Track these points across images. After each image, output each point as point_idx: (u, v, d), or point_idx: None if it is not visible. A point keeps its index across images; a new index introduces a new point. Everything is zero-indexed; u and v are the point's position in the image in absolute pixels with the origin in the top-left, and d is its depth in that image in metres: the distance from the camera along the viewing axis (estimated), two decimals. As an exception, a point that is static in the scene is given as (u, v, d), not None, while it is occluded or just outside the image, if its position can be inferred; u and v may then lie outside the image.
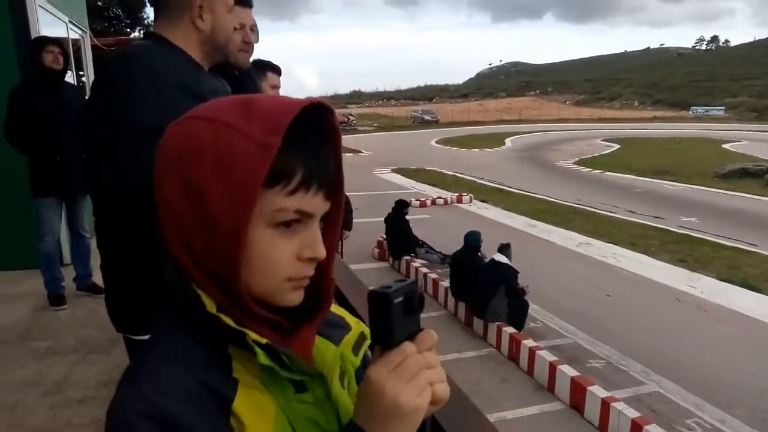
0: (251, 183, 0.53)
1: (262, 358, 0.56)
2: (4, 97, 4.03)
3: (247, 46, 2.08)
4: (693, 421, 4.99)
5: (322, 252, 0.60)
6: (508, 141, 35.37)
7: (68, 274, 4.62)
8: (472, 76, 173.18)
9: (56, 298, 4.30)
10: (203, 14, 1.31)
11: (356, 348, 0.70)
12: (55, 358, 3.57)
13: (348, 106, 79.08)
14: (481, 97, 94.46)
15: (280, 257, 0.58)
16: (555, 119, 60.10)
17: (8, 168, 4.46)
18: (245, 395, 0.56)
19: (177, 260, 0.59)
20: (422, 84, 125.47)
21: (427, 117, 55.83)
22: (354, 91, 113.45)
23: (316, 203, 0.59)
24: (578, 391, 5.05)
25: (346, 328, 0.68)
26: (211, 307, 0.57)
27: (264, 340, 0.56)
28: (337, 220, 0.66)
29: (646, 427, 4.39)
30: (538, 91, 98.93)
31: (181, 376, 0.53)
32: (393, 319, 0.54)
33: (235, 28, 1.50)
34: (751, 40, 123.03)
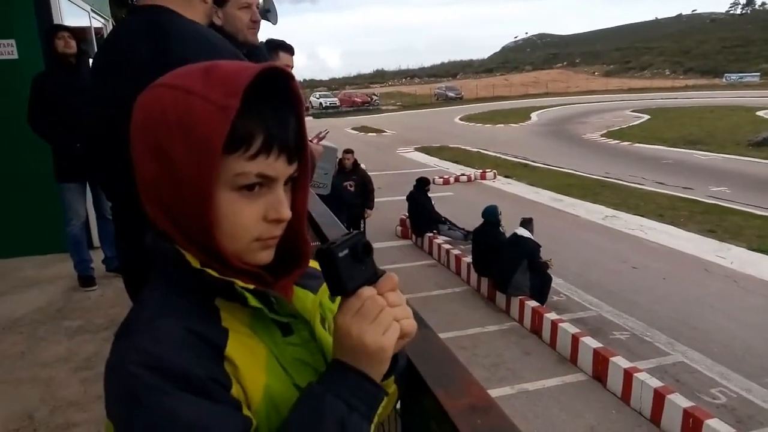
0: (212, 144, 0.57)
1: (252, 301, 0.61)
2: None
3: (255, 24, 2.11)
4: (718, 390, 4.95)
5: (286, 213, 0.64)
6: (533, 115, 34.75)
7: (97, 257, 4.80)
8: (497, 50, 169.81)
9: (86, 279, 4.47)
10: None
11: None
12: (85, 336, 3.74)
13: (371, 86, 78.60)
14: (507, 72, 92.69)
15: (245, 219, 0.62)
16: (583, 91, 58.68)
17: (35, 155, 4.61)
18: (236, 341, 0.60)
19: (157, 223, 0.63)
20: (446, 60, 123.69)
21: (450, 94, 55.09)
22: (377, 71, 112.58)
23: (278, 167, 0.62)
24: (601, 362, 5.05)
25: (322, 278, 0.74)
26: (195, 263, 0.61)
27: (251, 286, 0.61)
28: (304, 184, 0.70)
29: (669, 396, 4.37)
30: (565, 63, 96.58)
31: (174, 327, 0.57)
32: (341, 270, 0.58)
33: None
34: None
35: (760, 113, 28.72)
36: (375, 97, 50.14)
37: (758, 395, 4.81)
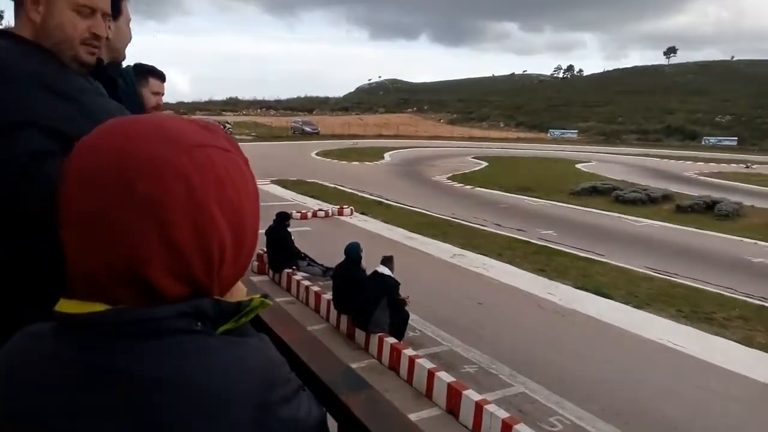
0: None
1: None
2: None
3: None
4: (555, 418, 5.44)
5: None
6: (386, 155, 36.31)
7: None
8: (352, 90, 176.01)
9: None
10: (38, 6, 1.18)
11: None
12: None
13: (223, 113, 76.29)
14: (361, 112, 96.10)
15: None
16: (431, 136, 62.75)
17: None
18: None
19: None
20: (303, 95, 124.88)
21: (307, 128, 55.52)
22: (230, 98, 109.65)
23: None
24: (454, 395, 5.30)
25: None
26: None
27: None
28: None
29: (516, 426, 4.71)
30: (415, 109, 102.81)
31: None
32: None
33: (77, 8, 1.26)
34: (601, 71, 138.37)
35: (578, 166, 33.18)
36: (228, 126, 48.69)
37: (588, 422, 5.38)
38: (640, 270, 10.56)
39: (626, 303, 8.70)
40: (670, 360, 6.86)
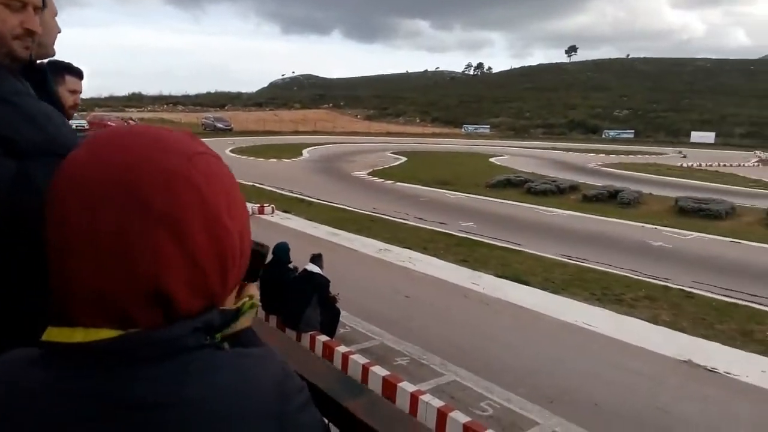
0: None
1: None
2: None
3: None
4: (485, 403, 5.63)
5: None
6: (305, 152, 35.92)
7: None
8: (265, 85, 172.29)
9: None
10: None
11: None
12: None
13: (127, 109, 72.12)
14: (276, 107, 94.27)
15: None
16: (348, 132, 62.71)
17: None
18: None
19: None
20: (213, 90, 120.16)
21: (219, 125, 53.58)
22: (134, 94, 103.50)
23: None
24: (389, 388, 5.34)
25: None
26: None
27: None
28: None
29: (450, 414, 4.82)
30: (331, 105, 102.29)
31: None
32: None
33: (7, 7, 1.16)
34: (508, 68, 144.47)
35: (492, 160, 34.46)
36: (132, 122, 46.18)
37: (516, 404, 5.60)
38: (555, 257, 11.14)
39: (544, 289, 9.14)
40: (587, 340, 7.29)
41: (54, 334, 0.53)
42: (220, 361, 0.55)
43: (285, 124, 65.59)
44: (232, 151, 34.09)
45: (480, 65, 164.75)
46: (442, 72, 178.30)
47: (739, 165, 34.69)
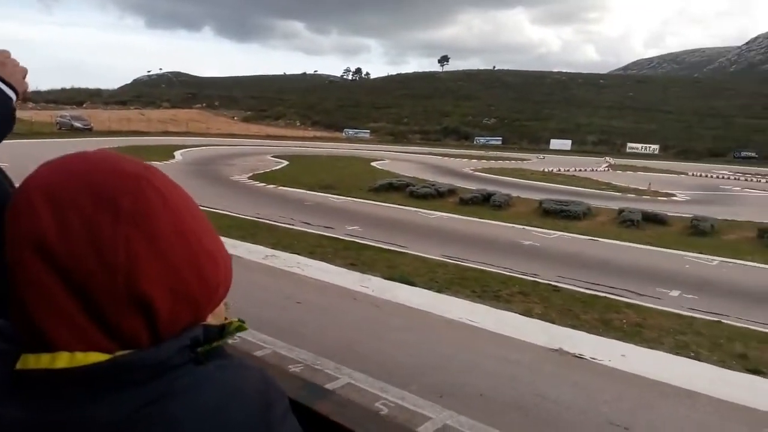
0: None
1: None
2: None
3: None
4: (380, 403, 5.75)
5: None
6: (177, 154, 34.08)
7: None
8: (129, 82, 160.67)
9: None
10: None
11: None
12: None
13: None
14: (142, 106, 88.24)
15: None
16: (224, 134, 60.45)
17: None
18: None
19: None
20: (68, 86, 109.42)
21: (77, 124, 48.96)
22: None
23: None
24: (286, 398, 5.26)
25: None
26: None
27: None
28: None
29: (349, 417, 4.86)
30: (204, 104, 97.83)
31: None
32: None
33: None
34: (385, 74, 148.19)
35: (374, 164, 35.12)
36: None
37: (410, 401, 5.79)
38: (437, 258, 11.66)
39: (429, 288, 9.53)
40: (471, 335, 7.72)
41: (31, 362, 0.50)
42: (203, 376, 0.55)
43: (153, 125, 61.60)
44: (95, 152, 31.39)
45: (358, 70, 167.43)
46: (320, 75, 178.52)
47: (593, 170, 38.64)
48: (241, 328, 0.66)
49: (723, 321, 8.63)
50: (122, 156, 0.59)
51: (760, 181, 36.82)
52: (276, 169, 29.07)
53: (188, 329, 0.56)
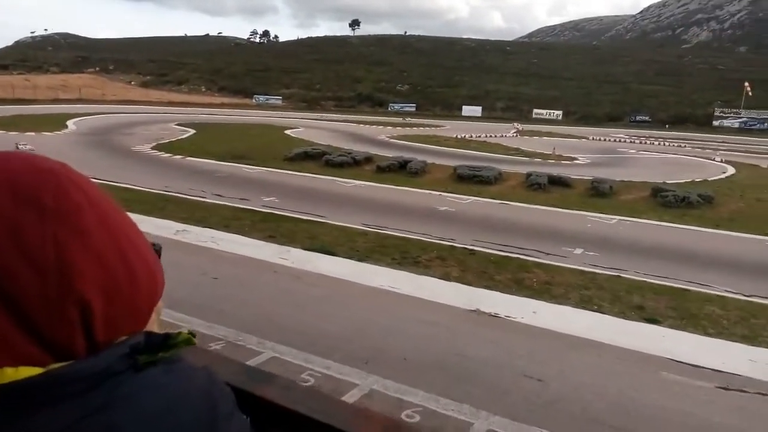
0: None
1: None
2: None
3: None
4: (306, 374, 5.75)
5: None
6: (70, 123, 31.52)
7: None
8: (10, 44, 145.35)
9: None
10: None
11: None
12: None
13: None
14: (27, 71, 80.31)
15: None
16: (122, 100, 56.57)
17: None
18: None
19: None
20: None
21: (-49, 91, 44.05)
22: None
23: None
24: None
25: None
26: None
27: None
28: None
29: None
30: (98, 69, 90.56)
31: None
32: None
33: None
34: (296, 38, 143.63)
35: (288, 132, 34.26)
36: None
37: (335, 370, 5.83)
38: (357, 226, 11.68)
39: (350, 258, 9.55)
40: (392, 302, 7.86)
41: None
42: (145, 382, 0.51)
43: (41, 91, 56.41)
44: (-27, 122, 28.31)
45: (266, 33, 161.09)
46: (225, 37, 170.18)
47: (502, 135, 40.06)
48: (190, 341, 0.60)
49: (622, 275, 9.36)
50: (32, 153, 0.55)
51: (653, 143, 39.94)
52: (182, 139, 27.61)
53: (128, 337, 0.52)
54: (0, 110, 35.90)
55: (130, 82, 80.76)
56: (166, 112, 45.38)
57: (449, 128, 45.54)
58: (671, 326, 7.40)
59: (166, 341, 0.57)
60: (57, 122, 31.05)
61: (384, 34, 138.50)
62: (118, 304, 0.52)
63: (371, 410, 0.91)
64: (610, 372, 6.19)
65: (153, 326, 0.59)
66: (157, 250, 0.66)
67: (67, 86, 63.63)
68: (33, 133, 25.85)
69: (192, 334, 0.62)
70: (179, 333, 0.59)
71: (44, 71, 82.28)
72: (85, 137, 26.00)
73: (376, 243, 10.53)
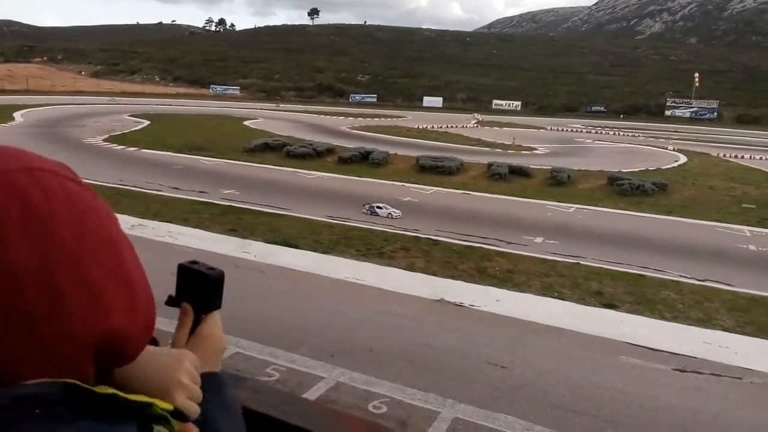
0: None
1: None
2: None
3: None
4: (271, 368, 5.67)
5: None
6: (18, 115, 30.13)
7: None
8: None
9: None
10: None
11: None
12: None
13: None
14: (-31, 60, 76.36)
15: None
16: (72, 91, 54.38)
17: None
18: None
19: None
20: None
21: None
22: None
23: None
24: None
25: None
26: None
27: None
28: None
29: (239, 388, 4.71)
30: (45, 58, 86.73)
31: None
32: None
33: None
34: (253, 27, 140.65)
35: (247, 123, 33.61)
36: None
37: (300, 363, 5.77)
38: (321, 219, 11.56)
39: (314, 250, 9.46)
40: (357, 293, 7.83)
41: None
42: None
43: (-15, 82, 53.78)
44: None
45: (222, 21, 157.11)
46: (179, 26, 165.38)
47: (463, 126, 40.40)
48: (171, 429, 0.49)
49: (581, 262, 9.58)
50: (9, 153, 0.46)
51: (608, 133, 41.04)
52: (136, 130, 26.73)
53: (43, 381, 0.43)
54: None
55: (80, 72, 77.67)
56: (118, 103, 43.90)
57: (411, 119, 45.65)
58: (629, 311, 7.63)
59: (112, 404, 0.46)
60: (3, 114, 29.62)
61: (343, 24, 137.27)
62: (21, 332, 0.43)
63: (346, 412, 0.87)
64: (571, 357, 6.33)
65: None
66: (218, 275, 0.67)
67: (13, 76, 60.74)
68: (-24, 126, 24.62)
69: (179, 413, 0.51)
70: (152, 403, 0.48)
71: (-13, 60, 78.33)
72: (34, 129, 24.88)
73: (341, 235, 10.46)
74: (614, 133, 40.96)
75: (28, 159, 0.48)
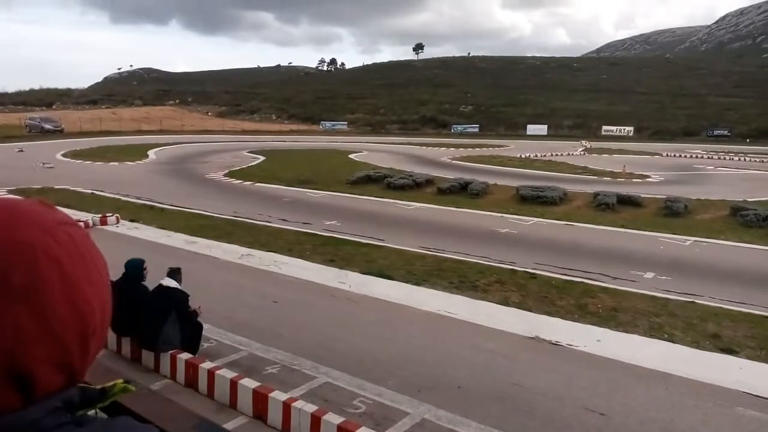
0: None
1: None
2: None
3: None
4: (358, 400, 5.72)
5: None
6: (151, 153, 33.52)
7: None
8: (99, 80, 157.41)
9: None
10: None
11: None
12: None
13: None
14: (114, 105, 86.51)
15: None
16: (199, 130, 59.62)
17: None
18: None
19: None
20: (37, 87, 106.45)
21: (48, 125, 47.89)
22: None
23: None
24: (260, 400, 5.20)
25: None
26: None
27: None
28: None
29: (324, 417, 4.82)
30: (177, 101, 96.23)
31: None
32: None
33: None
34: (360, 64, 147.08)
35: (352, 156, 34.91)
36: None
37: (387, 397, 5.76)
38: (415, 250, 11.63)
39: (407, 281, 9.51)
40: (448, 327, 7.72)
41: None
42: None
43: (126, 123, 60.51)
44: (64, 155, 30.76)
45: (333, 61, 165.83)
46: (295, 67, 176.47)
47: (569, 154, 38.92)
48: (126, 389, 0.63)
49: (697, 301, 8.76)
50: (23, 215, 0.53)
51: (732, 159, 37.53)
52: (252, 165, 28.74)
53: (61, 391, 0.54)
54: (89, 142, 38.84)
55: (207, 112, 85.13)
56: (239, 141, 47.36)
57: (513, 148, 44.77)
58: (749, 357, 6.82)
59: (103, 393, 0.60)
60: (139, 152, 33.14)
61: (447, 57, 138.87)
62: (62, 372, 0.53)
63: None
64: (679, 406, 5.77)
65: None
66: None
67: (150, 118, 67.86)
68: (116, 163, 27.77)
69: (128, 382, 0.64)
70: (114, 384, 0.61)
71: (129, 104, 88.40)
72: (164, 166, 27.58)
73: (434, 266, 10.43)
74: (739, 159, 37.30)
75: (44, 218, 0.55)
